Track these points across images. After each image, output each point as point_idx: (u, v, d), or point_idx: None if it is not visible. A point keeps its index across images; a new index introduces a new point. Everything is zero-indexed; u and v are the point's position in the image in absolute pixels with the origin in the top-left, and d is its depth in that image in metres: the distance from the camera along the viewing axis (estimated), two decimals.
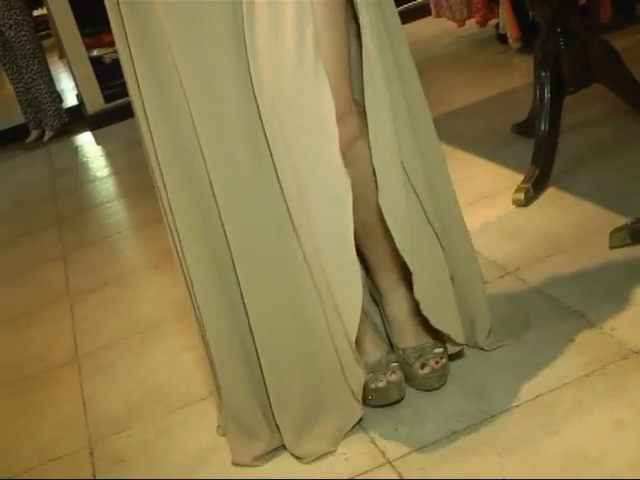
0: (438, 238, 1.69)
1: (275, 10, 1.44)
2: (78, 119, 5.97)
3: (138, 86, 1.58)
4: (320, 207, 1.49)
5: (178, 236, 1.64)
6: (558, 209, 2.45)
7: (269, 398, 1.68)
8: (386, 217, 1.54)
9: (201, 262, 1.64)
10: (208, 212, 1.61)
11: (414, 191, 1.61)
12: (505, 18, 4.39)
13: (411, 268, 1.58)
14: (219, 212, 1.58)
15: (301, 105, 1.45)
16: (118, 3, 1.54)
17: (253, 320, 1.62)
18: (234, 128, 1.54)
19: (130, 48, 1.55)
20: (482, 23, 4.57)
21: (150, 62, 1.55)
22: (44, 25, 8.93)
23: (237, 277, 1.62)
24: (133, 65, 1.57)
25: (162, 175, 1.61)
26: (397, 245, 1.55)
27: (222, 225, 1.59)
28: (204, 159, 1.56)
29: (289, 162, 1.49)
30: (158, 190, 1.67)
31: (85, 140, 5.66)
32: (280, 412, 1.68)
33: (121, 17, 1.55)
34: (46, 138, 5.83)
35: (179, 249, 1.66)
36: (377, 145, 1.53)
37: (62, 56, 8.55)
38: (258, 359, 1.66)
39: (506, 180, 2.74)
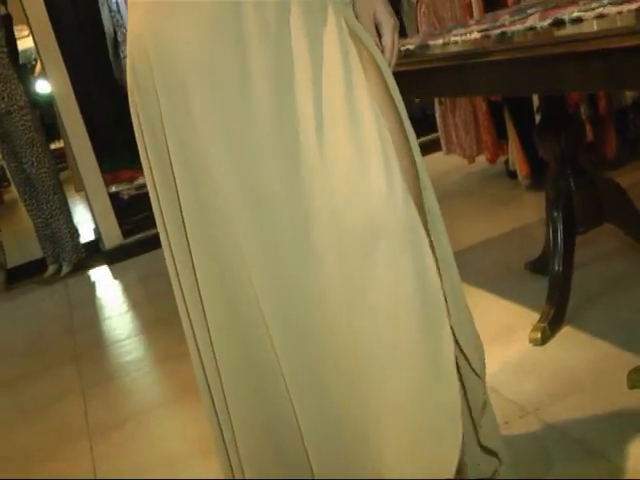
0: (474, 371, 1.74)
1: (356, 139, 1.48)
2: (95, 253, 6.07)
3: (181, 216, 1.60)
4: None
5: (213, 349, 1.62)
6: (575, 347, 2.49)
7: None
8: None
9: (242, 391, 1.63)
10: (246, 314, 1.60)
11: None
12: (514, 155, 4.50)
13: None
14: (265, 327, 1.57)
15: (393, 230, 1.46)
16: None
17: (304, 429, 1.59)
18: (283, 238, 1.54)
19: (171, 161, 1.58)
20: (492, 160, 4.69)
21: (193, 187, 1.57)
22: (61, 158, 9.14)
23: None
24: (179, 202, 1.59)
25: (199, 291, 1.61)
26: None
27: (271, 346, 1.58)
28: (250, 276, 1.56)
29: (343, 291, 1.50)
30: (183, 301, 1.68)
31: (102, 274, 5.74)
32: None
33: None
34: (64, 273, 5.89)
35: (210, 373, 1.66)
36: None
37: (78, 189, 8.73)
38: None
39: (522, 318, 2.78)
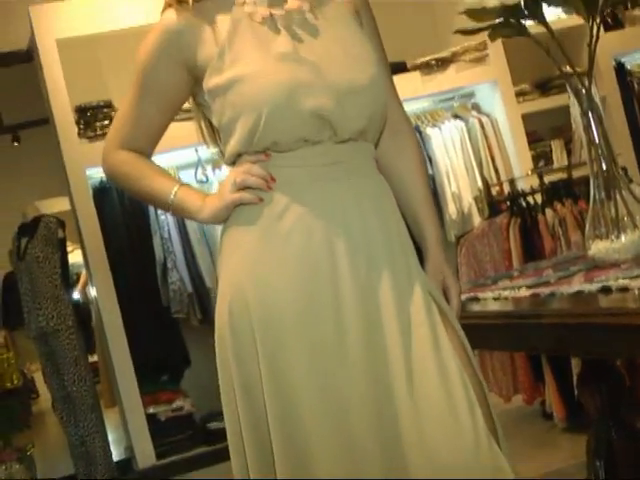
0: None
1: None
2: (127, 472, 6.04)
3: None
4: None
5: None
6: None
7: None
8: None
9: None
10: None
11: None
12: (551, 397, 4.56)
13: None
14: None
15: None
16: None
17: None
18: None
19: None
20: (529, 401, 4.74)
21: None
22: (94, 372, 9.21)
23: None
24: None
25: None
26: None
27: None
28: None
29: None
30: None
31: None
32: None
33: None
34: None
35: None
36: None
37: (109, 405, 8.73)
38: None
39: None
